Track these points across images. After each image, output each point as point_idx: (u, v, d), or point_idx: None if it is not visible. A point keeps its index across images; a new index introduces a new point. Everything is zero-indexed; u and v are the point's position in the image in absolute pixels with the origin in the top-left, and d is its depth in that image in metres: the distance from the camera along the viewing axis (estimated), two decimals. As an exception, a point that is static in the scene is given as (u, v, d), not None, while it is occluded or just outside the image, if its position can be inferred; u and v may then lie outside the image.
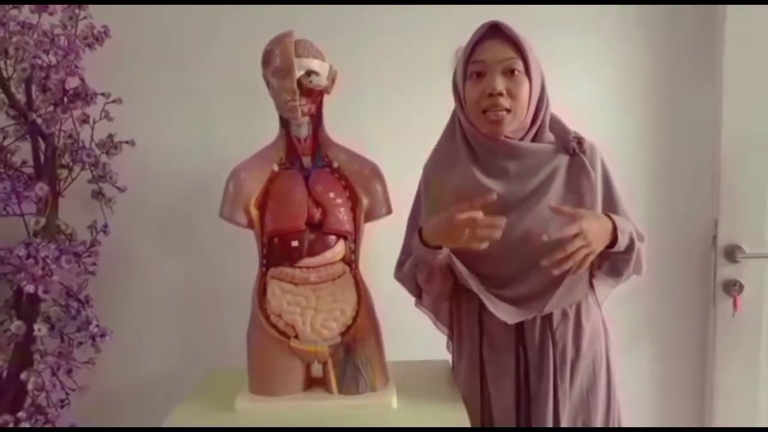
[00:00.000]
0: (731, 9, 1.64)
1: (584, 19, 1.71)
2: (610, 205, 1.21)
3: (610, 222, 1.12)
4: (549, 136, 1.22)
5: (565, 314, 1.22)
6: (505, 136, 1.17)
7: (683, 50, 1.74)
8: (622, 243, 1.12)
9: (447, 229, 1.09)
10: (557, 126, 1.23)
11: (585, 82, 1.71)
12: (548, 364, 1.21)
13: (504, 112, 1.14)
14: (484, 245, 1.06)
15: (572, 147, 1.19)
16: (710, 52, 1.71)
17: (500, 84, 1.12)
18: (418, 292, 1.33)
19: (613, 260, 1.16)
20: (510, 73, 1.13)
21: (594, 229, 1.07)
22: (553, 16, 1.69)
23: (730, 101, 1.67)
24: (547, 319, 1.21)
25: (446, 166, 1.25)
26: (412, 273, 1.27)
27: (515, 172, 1.18)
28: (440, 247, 1.16)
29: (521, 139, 1.20)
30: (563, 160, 1.19)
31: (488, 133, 1.17)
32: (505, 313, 1.18)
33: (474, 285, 1.20)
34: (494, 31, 1.15)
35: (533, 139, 1.21)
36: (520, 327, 1.22)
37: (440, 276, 1.23)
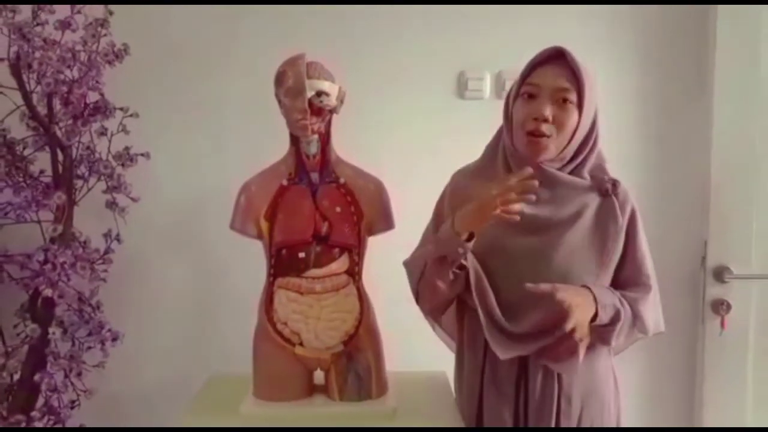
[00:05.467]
0: (722, 34, 1.70)
1: (575, 41, 1.75)
2: (630, 256, 1.20)
3: (591, 295, 1.10)
4: (586, 174, 1.21)
5: None
6: (542, 163, 1.16)
7: (674, 75, 1.80)
8: (604, 317, 1.11)
9: (480, 205, 1.06)
10: (597, 165, 1.22)
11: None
12: (551, 404, 1.17)
13: (546, 139, 1.13)
14: (515, 218, 1.05)
15: (606, 188, 1.18)
16: (701, 79, 1.77)
17: (548, 110, 1.11)
18: (420, 272, 1.24)
19: (599, 331, 1.14)
20: (562, 102, 1.12)
21: (577, 301, 1.07)
22: (545, 36, 1.72)
23: (720, 126, 1.73)
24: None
25: (480, 177, 1.24)
26: (420, 269, 1.22)
27: (546, 199, 1.17)
28: (469, 240, 1.11)
29: (561, 168, 1.19)
30: (595, 199, 1.18)
31: (526, 156, 1.16)
32: (501, 349, 1.15)
33: (482, 316, 1.17)
34: (557, 55, 1.15)
35: (572, 172, 1.20)
36: (523, 362, 1.19)
37: (441, 296, 1.21)
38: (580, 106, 1.13)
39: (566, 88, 1.12)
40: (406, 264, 1.31)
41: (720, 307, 1.75)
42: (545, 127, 1.12)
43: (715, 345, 1.77)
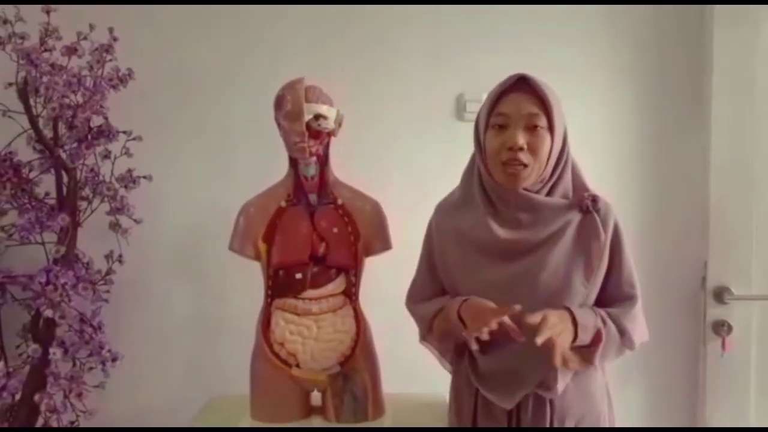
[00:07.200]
0: (719, 56, 1.73)
1: (572, 65, 1.80)
2: (615, 270, 1.19)
3: (570, 317, 1.10)
4: (566, 189, 1.21)
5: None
6: (523, 189, 1.17)
7: (672, 97, 1.82)
8: (585, 338, 1.11)
9: (476, 318, 1.10)
10: (576, 181, 1.22)
11: (577, 128, 1.78)
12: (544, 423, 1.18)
13: (522, 167, 1.13)
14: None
15: (586, 204, 1.17)
16: (699, 100, 1.79)
17: (522, 139, 1.11)
18: (426, 331, 1.29)
19: (581, 352, 1.14)
20: (533, 128, 1.12)
21: (555, 319, 1.06)
22: (542, 59, 1.74)
23: (718, 147, 1.74)
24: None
25: (461, 210, 1.25)
26: (429, 322, 1.25)
27: (527, 222, 1.17)
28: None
29: (539, 190, 1.19)
30: (576, 216, 1.18)
31: (504, 185, 1.17)
32: (500, 398, 1.17)
33: (473, 377, 1.21)
34: (521, 83, 1.14)
35: (550, 191, 1.20)
36: None
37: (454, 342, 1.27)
38: (551, 129, 1.14)
39: (536, 114, 1.12)
40: (412, 312, 1.32)
41: (721, 328, 1.74)
42: (522, 156, 1.12)
43: (716, 366, 1.76)
